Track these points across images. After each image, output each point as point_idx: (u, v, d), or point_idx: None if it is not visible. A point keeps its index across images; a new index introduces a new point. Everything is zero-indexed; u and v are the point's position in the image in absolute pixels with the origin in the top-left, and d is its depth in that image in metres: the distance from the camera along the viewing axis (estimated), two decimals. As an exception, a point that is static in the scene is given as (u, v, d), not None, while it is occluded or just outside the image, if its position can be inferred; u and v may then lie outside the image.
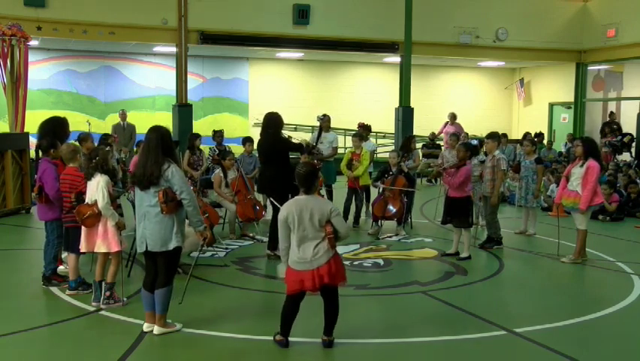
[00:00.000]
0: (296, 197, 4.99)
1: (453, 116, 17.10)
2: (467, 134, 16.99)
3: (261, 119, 8.17)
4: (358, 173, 9.92)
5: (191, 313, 5.79)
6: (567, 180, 8.03)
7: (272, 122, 7.80)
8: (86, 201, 5.95)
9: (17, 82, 11.52)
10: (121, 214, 6.89)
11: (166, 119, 16.33)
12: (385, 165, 9.87)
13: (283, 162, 7.82)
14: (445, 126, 17.29)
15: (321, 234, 4.83)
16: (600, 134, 17.84)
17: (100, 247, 5.95)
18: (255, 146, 10.68)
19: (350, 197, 10.18)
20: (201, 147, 11.25)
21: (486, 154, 8.97)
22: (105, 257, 6.06)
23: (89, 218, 5.84)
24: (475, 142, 12.71)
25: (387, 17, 16.97)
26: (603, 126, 18.34)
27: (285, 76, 20.47)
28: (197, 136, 11.23)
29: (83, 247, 6.02)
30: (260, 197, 10.32)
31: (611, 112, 19.16)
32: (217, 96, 19.83)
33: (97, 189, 5.87)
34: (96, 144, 8.16)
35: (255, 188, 10.18)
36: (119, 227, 6.00)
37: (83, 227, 5.94)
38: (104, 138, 10.02)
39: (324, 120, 10.69)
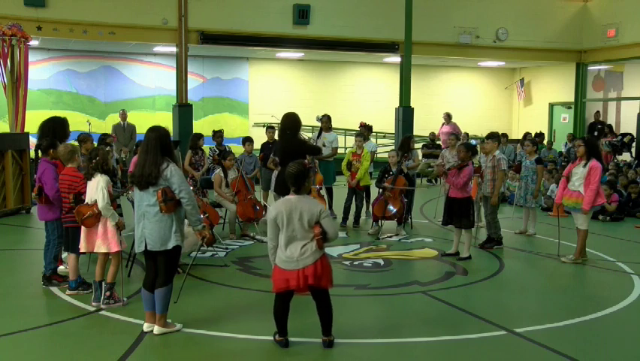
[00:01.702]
0: (286, 197, 4.96)
1: (448, 116, 17.10)
2: (467, 134, 17.00)
3: (276, 117, 7.99)
4: (360, 176, 9.91)
5: (191, 313, 5.79)
6: (567, 180, 8.03)
7: (290, 123, 7.60)
8: (86, 201, 5.95)
9: (17, 82, 11.52)
10: (120, 214, 6.89)
11: (166, 119, 16.36)
12: (385, 165, 9.87)
13: None
14: (442, 127, 17.30)
15: (309, 234, 4.81)
16: (588, 135, 17.95)
17: (100, 247, 5.95)
18: (257, 145, 10.73)
19: (350, 197, 10.18)
20: (203, 147, 11.21)
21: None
22: (105, 257, 6.06)
23: (88, 218, 5.84)
24: (474, 142, 12.72)
25: (387, 17, 16.98)
26: (590, 126, 18.65)
27: (285, 76, 20.48)
28: (200, 136, 11.13)
29: (82, 248, 6.02)
30: (260, 197, 10.33)
31: (597, 112, 19.26)
32: (217, 96, 19.84)
33: (97, 189, 5.87)
34: (95, 144, 8.16)
35: (255, 187, 10.19)
36: (119, 227, 6.00)
37: (82, 227, 5.94)
38: (103, 137, 10.02)
39: (324, 120, 10.70)
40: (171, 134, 5.48)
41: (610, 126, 18.32)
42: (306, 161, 5.25)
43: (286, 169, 4.96)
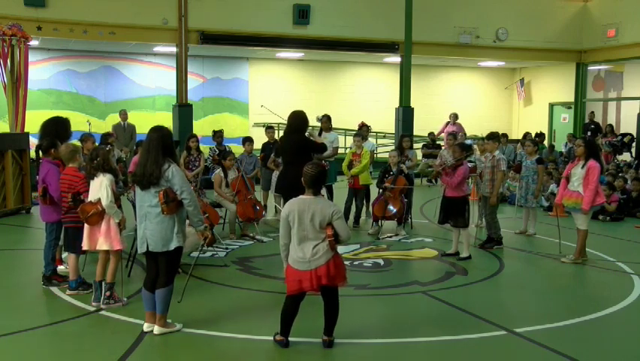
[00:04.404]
0: (301, 196, 4.94)
1: (455, 116, 17.11)
2: (465, 134, 16.99)
3: (266, 107, 7.79)
4: (355, 171, 9.90)
5: (191, 313, 5.79)
6: (567, 180, 8.04)
7: (297, 122, 7.39)
8: (89, 199, 5.95)
9: (17, 82, 11.52)
10: (121, 214, 6.89)
11: (166, 119, 16.36)
12: (386, 166, 9.87)
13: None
14: (445, 126, 17.30)
15: (321, 235, 4.80)
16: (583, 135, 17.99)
17: (102, 245, 5.94)
18: (257, 145, 10.71)
19: (351, 197, 10.18)
20: (201, 147, 11.06)
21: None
22: (106, 256, 6.06)
23: (92, 216, 5.85)
24: (469, 142, 12.71)
25: (387, 17, 16.98)
26: (585, 127, 18.69)
27: (285, 76, 20.48)
28: (191, 136, 10.92)
29: (85, 245, 6.02)
30: (260, 197, 10.32)
31: (591, 112, 19.30)
32: (217, 96, 19.85)
33: (100, 187, 5.88)
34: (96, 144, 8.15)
35: (255, 187, 10.18)
36: (121, 226, 6.00)
37: (85, 225, 5.95)
38: (105, 137, 10.03)
39: (324, 120, 10.69)
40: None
41: (610, 126, 18.33)
42: (323, 162, 5.23)
43: (304, 170, 4.90)
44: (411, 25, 16.73)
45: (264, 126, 12.87)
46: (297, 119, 7.38)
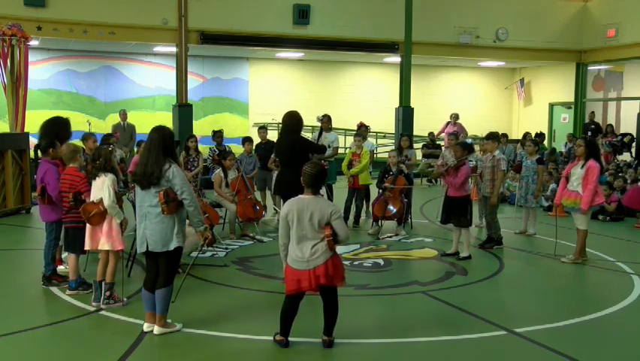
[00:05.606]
0: (300, 195, 4.94)
1: (456, 117, 17.12)
2: (466, 134, 16.99)
3: (275, 119, 7.80)
4: (354, 171, 9.90)
5: (191, 313, 5.79)
6: (567, 180, 8.04)
7: (293, 123, 7.40)
8: (91, 199, 5.96)
9: (17, 82, 11.52)
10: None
11: (166, 119, 16.35)
12: (386, 166, 9.87)
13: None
14: (446, 126, 17.30)
15: (320, 235, 4.80)
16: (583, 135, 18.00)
17: (104, 245, 5.95)
18: (254, 146, 10.70)
19: (351, 197, 10.18)
20: (201, 147, 11.04)
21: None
22: (108, 256, 6.06)
23: (94, 216, 5.85)
24: (469, 141, 12.71)
25: (387, 17, 16.99)
26: (585, 127, 18.69)
27: (285, 76, 20.49)
28: (190, 136, 10.85)
29: (87, 245, 6.02)
30: (259, 197, 10.33)
31: (592, 112, 19.31)
32: (217, 96, 19.85)
33: (103, 187, 5.88)
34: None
35: (256, 187, 10.18)
36: (123, 226, 6.00)
37: (87, 225, 5.95)
38: (106, 137, 10.01)
39: (324, 120, 10.69)
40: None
41: (610, 126, 18.33)
42: (323, 162, 5.24)
43: (304, 170, 4.89)
44: (411, 25, 16.73)
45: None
46: (292, 120, 7.40)
